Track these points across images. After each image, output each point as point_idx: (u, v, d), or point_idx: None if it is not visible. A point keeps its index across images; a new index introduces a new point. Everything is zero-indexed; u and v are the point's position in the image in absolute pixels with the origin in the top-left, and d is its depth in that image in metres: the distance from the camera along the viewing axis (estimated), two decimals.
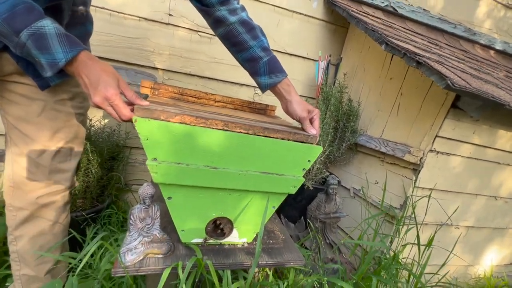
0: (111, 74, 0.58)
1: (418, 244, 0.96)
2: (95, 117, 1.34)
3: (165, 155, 0.62)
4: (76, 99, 0.79)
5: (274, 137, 0.67)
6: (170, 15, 1.37)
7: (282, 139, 0.68)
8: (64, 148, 0.79)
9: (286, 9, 1.54)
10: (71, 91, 0.76)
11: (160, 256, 0.69)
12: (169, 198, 0.68)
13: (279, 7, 1.53)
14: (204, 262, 0.68)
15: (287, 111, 0.81)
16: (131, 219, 0.66)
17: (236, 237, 0.82)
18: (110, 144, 1.23)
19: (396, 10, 1.70)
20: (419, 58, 0.87)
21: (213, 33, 1.45)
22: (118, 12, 1.30)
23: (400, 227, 1.09)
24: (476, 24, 1.95)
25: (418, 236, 0.96)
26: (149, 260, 0.68)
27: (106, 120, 1.39)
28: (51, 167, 0.78)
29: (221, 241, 0.80)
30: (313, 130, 0.73)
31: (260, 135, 0.66)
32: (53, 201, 0.82)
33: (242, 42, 0.80)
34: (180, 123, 0.61)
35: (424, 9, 1.79)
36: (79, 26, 0.77)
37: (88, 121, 1.19)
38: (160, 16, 1.36)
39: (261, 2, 1.49)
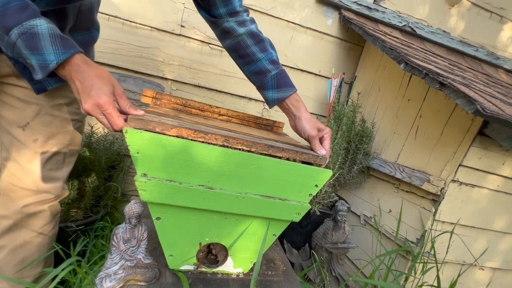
0: (105, 80, 0.53)
1: (439, 287, 0.84)
2: (98, 124, 1.31)
3: (156, 171, 0.56)
4: (74, 105, 0.75)
5: (278, 156, 0.60)
6: (182, 26, 1.36)
7: (287, 159, 0.61)
8: (56, 155, 0.75)
9: (300, 25, 1.52)
10: (68, 97, 0.73)
11: (143, 284, 0.61)
12: (158, 218, 0.61)
13: (293, 22, 1.50)
14: None
15: (295, 128, 0.75)
16: (113, 240, 0.59)
17: (231, 266, 0.73)
18: (110, 152, 1.19)
19: (414, 30, 1.65)
20: (443, 79, 0.79)
21: None
22: (131, 22, 1.30)
23: (417, 264, 0.97)
24: (500, 48, 1.87)
25: (438, 277, 0.84)
26: None
27: None
28: (41, 174, 0.73)
29: (213, 269, 0.72)
30: (323, 151, 0.67)
31: (264, 154, 0.59)
32: (40, 211, 0.77)
33: (250, 54, 0.75)
34: (176, 136, 0.55)
35: (444, 31, 1.73)
36: (84, 32, 0.75)
37: (90, 128, 1.16)
38: (172, 27, 1.35)
39: (275, 17, 1.47)
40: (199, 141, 0.56)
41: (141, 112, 0.56)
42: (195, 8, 0.82)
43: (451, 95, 0.77)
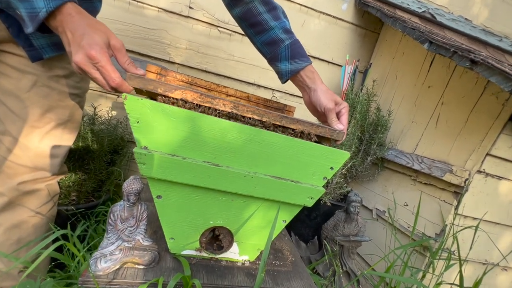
0: (99, 31, 0.48)
1: (461, 287, 0.77)
2: (101, 106, 1.28)
3: (157, 144, 0.51)
4: (73, 78, 0.71)
5: (292, 129, 0.55)
6: (190, 7, 1.31)
7: (302, 132, 0.56)
8: (54, 130, 0.71)
9: (313, 9, 1.44)
10: (67, 68, 0.69)
11: (141, 267, 0.57)
12: (159, 197, 0.56)
13: (305, 6, 1.43)
14: (192, 281, 0.54)
15: (310, 102, 0.69)
16: (110, 218, 0.54)
17: (236, 253, 0.68)
18: (114, 136, 1.15)
19: (434, 17, 1.55)
20: (474, 56, 0.72)
21: (233, 29, 1.37)
22: (138, 2, 1.25)
23: (436, 261, 0.90)
24: None
25: (461, 276, 0.77)
26: (127, 271, 0.55)
27: (114, 112, 1.32)
28: (37, 150, 0.69)
29: (218, 256, 0.67)
30: (340, 125, 0.61)
31: (276, 125, 0.54)
32: (37, 189, 0.73)
33: (262, 22, 0.69)
34: (180, 99, 0.50)
35: (466, 19, 1.63)
36: (85, 2, 0.70)
37: (93, 110, 1.12)
38: (180, 8, 1.30)
39: (287, 0, 1.40)
40: (205, 105, 0.51)
41: (141, 71, 0.50)
42: None
43: (484, 73, 0.70)
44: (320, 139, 0.62)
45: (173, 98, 0.50)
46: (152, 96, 0.57)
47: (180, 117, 0.50)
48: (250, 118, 0.53)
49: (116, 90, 0.50)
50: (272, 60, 0.73)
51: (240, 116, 0.53)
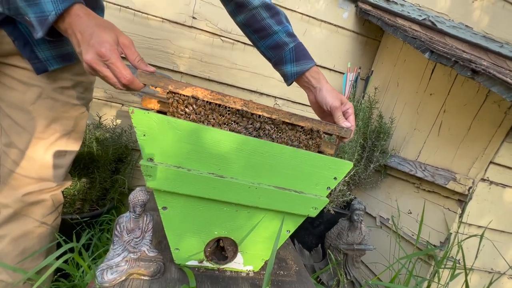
0: (107, 29, 0.48)
1: None
2: (106, 115, 1.29)
3: (163, 156, 0.52)
4: (77, 89, 0.72)
5: (301, 126, 0.57)
6: (193, 17, 1.33)
7: (311, 129, 0.57)
8: (59, 141, 0.72)
9: (315, 18, 1.46)
10: (72, 79, 0.70)
11: (147, 278, 0.57)
12: (164, 208, 0.57)
13: (307, 15, 1.45)
14: None
15: (315, 102, 0.70)
16: (116, 229, 0.55)
17: (241, 264, 0.68)
18: (118, 145, 1.17)
19: (435, 24, 1.57)
20: (475, 66, 0.73)
21: (235, 39, 1.39)
22: (142, 13, 1.28)
23: (441, 270, 0.89)
24: None
25: (467, 285, 0.76)
26: (133, 282, 0.56)
27: (119, 121, 1.34)
28: (42, 161, 0.70)
29: (222, 266, 0.67)
30: (347, 123, 0.61)
31: (285, 122, 0.56)
32: (41, 200, 0.73)
33: (266, 27, 0.71)
34: (192, 96, 0.51)
35: (466, 26, 1.64)
36: None
37: (98, 119, 1.14)
38: (183, 18, 1.32)
39: (288, 9, 1.42)
40: (216, 103, 0.52)
41: (152, 68, 0.50)
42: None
43: (485, 83, 0.70)
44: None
45: (184, 95, 0.51)
46: (160, 109, 0.58)
47: (185, 130, 0.50)
48: (260, 115, 0.54)
49: (128, 88, 0.50)
50: (277, 63, 0.73)
51: (250, 114, 0.54)
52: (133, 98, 1.36)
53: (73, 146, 0.76)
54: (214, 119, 0.54)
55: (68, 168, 0.77)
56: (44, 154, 0.70)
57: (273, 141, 0.57)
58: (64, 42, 0.66)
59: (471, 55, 1.39)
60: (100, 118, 1.12)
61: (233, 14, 0.76)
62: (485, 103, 0.89)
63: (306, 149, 0.59)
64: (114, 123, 1.26)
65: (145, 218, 0.57)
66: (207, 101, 0.52)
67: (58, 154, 0.72)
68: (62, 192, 0.79)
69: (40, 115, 0.66)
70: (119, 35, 0.49)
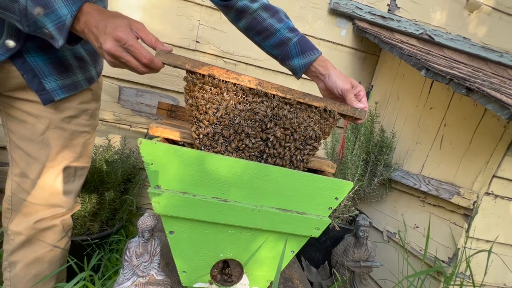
0: (119, 17, 0.51)
1: None
2: (114, 138, 1.34)
3: (169, 183, 0.55)
4: (83, 117, 0.75)
5: (315, 106, 0.57)
6: (197, 42, 1.40)
7: (325, 109, 0.57)
8: (67, 168, 0.75)
9: (313, 37, 1.51)
10: (78, 108, 0.73)
11: None
12: (171, 232, 0.59)
13: (306, 35, 1.50)
14: None
15: (326, 88, 0.70)
16: (126, 254, 0.57)
17: (247, 285, 0.69)
18: (127, 166, 1.21)
19: (432, 38, 1.60)
20: (469, 84, 0.75)
21: (237, 59, 1.45)
22: None
23: (451, 287, 0.88)
24: None
25: None
26: None
27: (127, 142, 1.39)
28: (52, 188, 0.73)
29: (228, 287, 0.68)
30: (361, 104, 0.62)
31: (300, 102, 0.56)
32: (52, 225, 0.76)
33: (268, 27, 0.72)
34: (208, 75, 0.52)
35: (464, 37, 1.67)
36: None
37: (107, 142, 1.19)
38: (187, 42, 1.39)
39: None
40: (232, 82, 0.52)
41: (169, 48, 0.52)
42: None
43: (480, 100, 0.72)
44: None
45: (200, 74, 0.51)
46: (169, 139, 0.61)
47: (190, 158, 0.53)
48: (274, 95, 0.54)
49: (149, 68, 0.52)
50: (284, 59, 0.74)
51: (263, 94, 0.54)
52: (141, 119, 1.41)
53: (82, 171, 0.79)
54: (230, 98, 0.54)
55: (77, 193, 0.80)
56: (54, 182, 0.73)
57: (290, 121, 0.56)
58: (70, 72, 0.69)
59: (470, 67, 1.41)
60: (109, 141, 1.17)
61: (235, 21, 0.78)
62: (484, 117, 0.90)
63: (320, 132, 0.59)
64: (123, 145, 1.31)
65: (153, 242, 0.59)
66: (222, 80, 0.52)
67: (67, 181, 0.75)
68: (72, 215, 0.82)
69: (49, 145, 0.70)
70: (131, 21, 0.51)
